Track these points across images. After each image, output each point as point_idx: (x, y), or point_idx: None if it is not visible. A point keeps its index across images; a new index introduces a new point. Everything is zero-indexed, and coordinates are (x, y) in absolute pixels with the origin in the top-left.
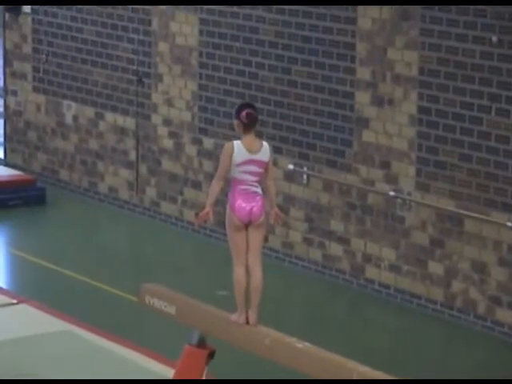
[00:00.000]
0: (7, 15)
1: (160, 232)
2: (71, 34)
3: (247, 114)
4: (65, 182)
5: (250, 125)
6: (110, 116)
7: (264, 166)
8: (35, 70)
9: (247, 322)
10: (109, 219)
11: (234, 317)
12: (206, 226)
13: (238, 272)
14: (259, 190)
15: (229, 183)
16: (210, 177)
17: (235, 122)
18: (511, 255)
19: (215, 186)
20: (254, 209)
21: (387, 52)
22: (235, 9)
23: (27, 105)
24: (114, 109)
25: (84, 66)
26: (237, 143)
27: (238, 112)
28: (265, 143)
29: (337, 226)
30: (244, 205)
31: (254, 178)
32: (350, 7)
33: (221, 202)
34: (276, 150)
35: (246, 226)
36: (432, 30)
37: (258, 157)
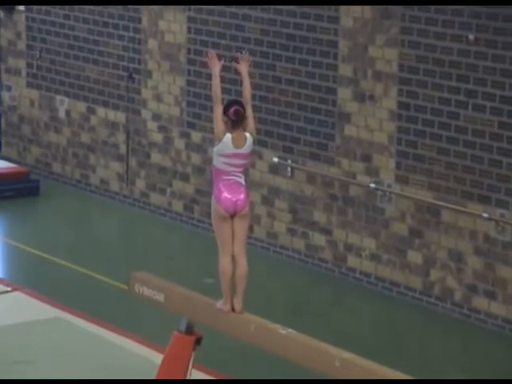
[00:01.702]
0: (1, 13)
1: (149, 222)
2: (64, 32)
3: (235, 110)
4: (58, 174)
5: (238, 121)
6: (101, 111)
7: (247, 156)
8: (29, 66)
9: (233, 310)
10: (100, 210)
11: (219, 304)
12: (193, 217)
13: (224, 262)
14: (243, 181)
15: (212, 174)
16: (197, 169)
17: (223, 118)
18: (487, 245)
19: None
20: (239, 200)
21: (368, 49)
22: (222, 7)
23: (21, 100)
24: (105, 104)
25: (76, 62)
26: (228, 136)
27: (226, 109)
28: (248, 136)
29: (320, 216)
30: (229, 196)
31: (238, 169)
32: (332, 6)
33: (207, 193)
34: (261, 144)
35: (232, 216)
36: (411, 28)
37: (242, 151)
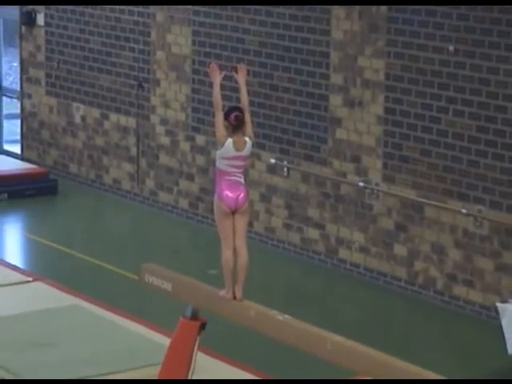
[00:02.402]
0: (23, 28)
1: (158, 218)
2: (80, 44)
3: (236, 116)
4: (74, 174)
5: (238, 126)
6: (113, 116)
7: (247, 158)
8: (48, 76)
9: (234, 298)
10: (113, 207)
11: (222, 293)
12: (198, 213)
13: (226, 254)
14: (242, 181)
15: (215, 174)
16: (202, 170)
17: (224, 123)
18: (466, 239)
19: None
20: (240, 197)
21: (357, 60)
22: (224, 22)
23: (41, 107)
24: (118, 110)
25: (91, 72)
26: (229, 140)
27: (227, 114)
28: (248, 140)
29: (313, 212)
30: (231, 194)
31: (239, 170)
32: (324, 21)
33: (211, 192)
34: (259, 146)
35: (233, 212)
36: (396, 40)
37: (242, 153)
